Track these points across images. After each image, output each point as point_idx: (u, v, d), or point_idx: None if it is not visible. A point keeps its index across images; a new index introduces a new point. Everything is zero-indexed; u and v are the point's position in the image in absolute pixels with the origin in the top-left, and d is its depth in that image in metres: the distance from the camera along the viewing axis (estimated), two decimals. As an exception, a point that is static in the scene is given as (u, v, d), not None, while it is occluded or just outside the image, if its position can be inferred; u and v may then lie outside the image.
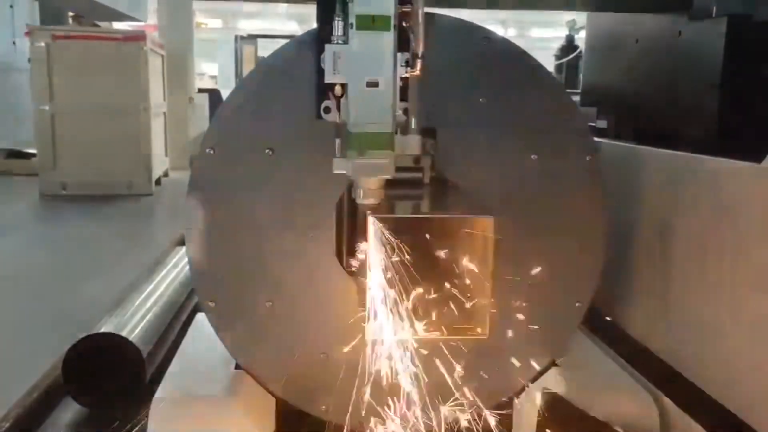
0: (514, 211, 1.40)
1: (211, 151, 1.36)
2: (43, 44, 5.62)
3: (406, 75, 1.09)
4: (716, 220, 1.53)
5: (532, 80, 1.41)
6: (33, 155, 6.28)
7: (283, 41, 1.46)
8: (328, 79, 1.08)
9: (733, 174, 1.49)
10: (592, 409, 1.40)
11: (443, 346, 1.40)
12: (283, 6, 19.85)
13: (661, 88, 1.91)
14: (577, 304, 1.50)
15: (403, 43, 1.07)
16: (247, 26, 19.31)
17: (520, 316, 1.45)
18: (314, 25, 1.38)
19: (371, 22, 1.03)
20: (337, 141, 1.13)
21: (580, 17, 5.39)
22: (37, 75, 5.67)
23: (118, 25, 8.59)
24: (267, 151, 1.36)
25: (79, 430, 1.73)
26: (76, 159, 5.66)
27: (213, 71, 17.94)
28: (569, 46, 5.76)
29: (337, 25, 1.07)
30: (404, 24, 1.08)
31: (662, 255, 1.72)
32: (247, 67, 10.19)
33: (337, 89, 1.10)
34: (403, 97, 1.10)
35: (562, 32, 6.33)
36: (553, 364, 1.51)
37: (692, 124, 1.74)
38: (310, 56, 1.35)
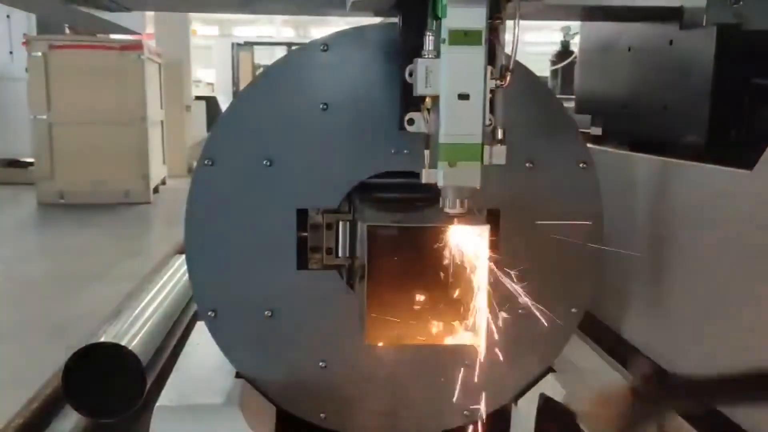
0: (509, 218, 1.42)
1: (210, 162, 1.38)
2: (40, 54, 5.64)
3: (494, 87, 1.11)
4: (709, 225, 1.55)
5: (523, 87, 1.43)
6: (31, 164, 6.28)
7: (280, 48, 1.48)
8: (420, 92, 1.10)
9: (725, 180, 1.51)
10: (587, 414, 1.41)
11: (440, 353, 1.41)
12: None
13: (653, 95, 1.94)
14: (573, 310, 1.51)
15: (491, 56, 1.10)
16: (243, 33, 19.35)
17: (517, 322, 1.46)
18: (310, 30, 1.41)
19: (463, 37, 1.05)
20: (426, 152, 1.15)
21: (574, 23, 5.42)
22: (34, 84, 5.69)
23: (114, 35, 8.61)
24: (266, 161, 1.38)
25: (80, 439, 1.74)
26: (73, 168, 5.68)
27: (210, 78, 17.96)
28: (565, 51, 5.80)
29: (428, 40, 1.10)
30: (492, 37, 1.10)
31: (657, 260, 1.74)
32: (244, 74, 10.21)
33: (428, 102, 1.12)
34: (491, 109, 1.12)
35: (556, 37, 6.36)
36: (550, 369, 1.52)
37: (684, 131, 1.76)
38: (310, 66, 1.37)
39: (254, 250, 1.40)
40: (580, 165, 1.46)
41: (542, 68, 5.63)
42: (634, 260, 1.89)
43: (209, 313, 1.42)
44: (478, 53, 1.06)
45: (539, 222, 1.43)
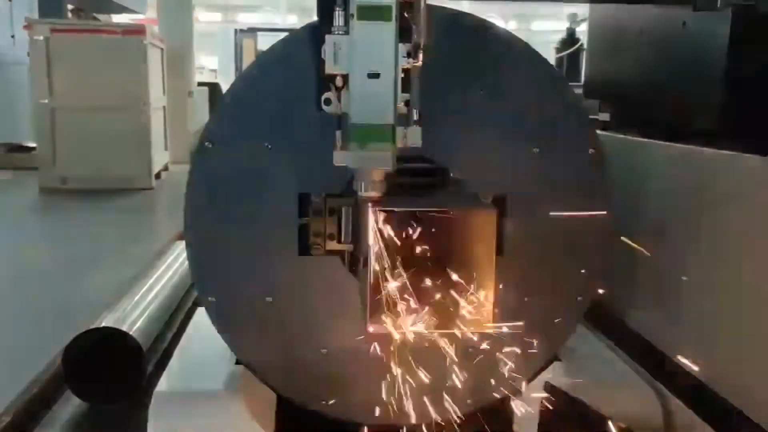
0: (516, 204, 1.39)
1: (210, 145, 1.35)
2: (42, 38, 5.60)
3: (408, 66, 1.07)
4: (721, 212, 1.52)
5: (534, 72, 1.40)
6: (33, 149, 6.27)
7: (283, 34, 1.44)
8: (329, 70, 1.06)
9: (739, 166, 1.48)
10: (594, 404, 1.40)
11: (444, 340, 1.39)
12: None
13: (664, 80, 1.90)
14: (578, 298, 1.49)
15: (404, 33, 1.06)
16: (247, 20, 19.24)
17: (522, 311, 1.44)
18: (314, 17, 1.37)
19: (373, 12, 1.01)
20: (338, 133, 1.11)
21: (581, 10, 5.36)
22: (36, 69, 5.65)
23: (117, 19, 8.57)
24: (266, 144, 1.35)
25: (80, 424, 1.73)
26: (75, 153, 5.65)
27: (213, 65, 17.89)
28: (570, 39, 5.74)
29: (338, 15, 1.06)
30: (405, 14, 1.06)
31: (666, 248, 1.71)
32: (247, 61, 10.16)
33: (338, 80, 1.08)
34: (405, 89, 1.08)
35: (563, 25, 6.30)
36: (556, 358, 1.50)
37: (696, 116, 1.72)
38: (308, 49, 1.34)
39: (255, 234, 1.38)
40: (589, 151, 1.43)
41: (548, 57, 5.57)
42: (642, 248, 1.86)
43: (209, 298, 1.40)
44: (389, 30, 1.02)
45: (546, 208, 1.41)
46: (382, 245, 1.13)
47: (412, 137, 1.09)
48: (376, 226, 1.13)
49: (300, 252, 1.37)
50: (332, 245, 1.38)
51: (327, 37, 1.05)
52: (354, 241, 1.38)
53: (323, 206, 1.37)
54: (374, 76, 1.03)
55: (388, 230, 1.14)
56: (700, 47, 1.70)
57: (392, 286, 1.15)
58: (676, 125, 1.83)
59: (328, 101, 1.12)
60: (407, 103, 1.09)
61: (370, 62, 1.03)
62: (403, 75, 1.07)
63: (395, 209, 1.16)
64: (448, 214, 1.15)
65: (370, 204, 1.13)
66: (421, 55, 1.07)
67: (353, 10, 1.02)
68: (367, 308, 1.16)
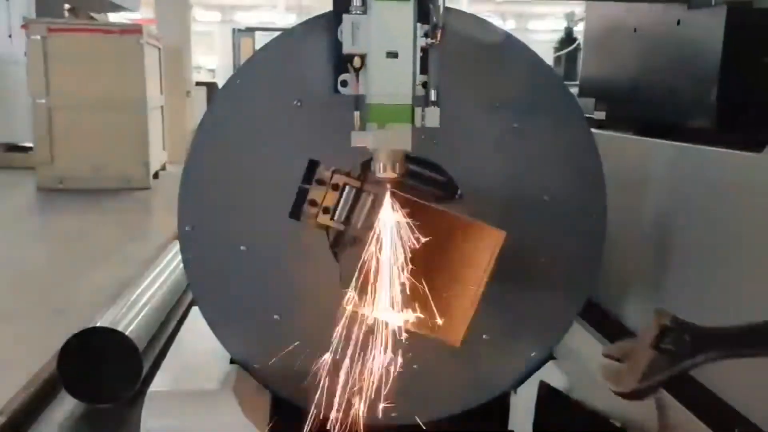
0: (509, 201, 1.39)
1: (202, 145, 1.35)
2: (39, 37, 5.59)
3: (426, 46, 1.06)
4: (716, 211, 1.52)
5: (527, 69, 1.39)
6: (30, 149, 6.26)
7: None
8: (347, 50, 1.06)
9: (734, 164, 1.48)
10: (589, 403, 1.40)
11: (437, 340, 1.39)
12: (281, -1, 19.78)
13: (660, 78, 1.90)
14: (574, 297, 1.49)
15: (422, 14, 1.05)
16: (245, 19, 19.23)
17: (517, 308, 1.43)
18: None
19: None
20: (356, 114, 1.10)
21: (579, 9, 5.36)
22: (33, 68, 5.64)
23: (114, 18, 8.56)
24: (262, 141, 1.35)
25: (75, 424, 1.73)
26: (73, 153, 5.64)
27: (211, 65, 17.89)
28: (568, 38, 5.74)
29: None
30: None
31: (662, 246, 1.71)
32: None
33: (356, 61, 1.08)
34: (423, 70, 1.07)
35: (560, 24, 6.30)
36: (551, 357, 1.50)
37: (691, 114, 1.72)
38: (306, 45, 1.33)
39: (249, 233, 1.37)
40: (584, 149, 1.43)
41: (546, 56, 5.57)
42: (638, 246, 1.86)
43: (203, 297, 1.39)
44: (407, 9, 1.01)
45: (540, 206, 1.40)
46: (389, 227, 1.12)
47: (430, 118, 1.08)
48: (384, 208, 1.11)
49: (291, 214, 1.33)
50: (324, 219, 1.34)
51: (345, 16, 1.05)
52: (345, 222, 1.37)
53: (329, 178, 1.34)
54: (393, 55, 1.02)
55: (396, 215, 1.13)
56: (694, 45, 1.70)
57: (381, 270, 1.14)
58: (672, 123, 1.84)
59: (344, 83, 1.12)
60: (424, 85, 1.08)
61: (389, 41, 1.02)
62: (421, 55, 1.06)
63: (412, 199, 1.15)
64: (457, 221, 1.15)
65: (388, 185, 1.12)
66: (439, 35, 1.06)
67: None
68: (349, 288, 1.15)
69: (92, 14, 7.15)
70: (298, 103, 1.34)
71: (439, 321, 1.18)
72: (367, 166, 1.33)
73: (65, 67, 5.61)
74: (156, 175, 6.15)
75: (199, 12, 18.82)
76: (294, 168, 1.32)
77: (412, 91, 1.04)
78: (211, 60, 17.71)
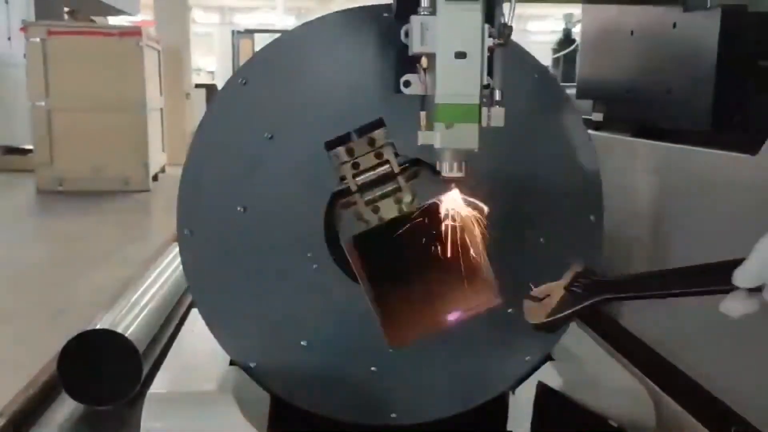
0: (506, 201, 1.39)
1: (202, 147, 1.36)
2: (38, 40, 5.60)
3: (493, 46, 1.07)
4: (712, 212, 1.53)
5: (522, 71, 1.40)
6: (30, 151, 6.27)
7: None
8: (415, 50, 1.06)
9: (729, 166, 1.48)
10: (587, 403, 1.40)
11: (436, 340, 1.40)
12: (281, 0, 19.79)
13: (656, 80, 1.90)
14: (571, 298, 1.49)
15: (489, 15, 1.06)
16: (244, 21, 19.25)
17: (515, 309, 1.44)
18: (312, 18, 1.38)
19: None
20: (422, 114, 1.11)
21: (577, 11, 5.37)
22: (32, 71, 5.65)
23: (113, 21, 8.57)
24: (262, 142, 1.36)
25: (75, 425, 1.73)
26: (72, 155, 5.66)
27: (211, 67, 17.90)
28: (566, 39, 5.75)
29: None
30: None
31: (657, 247, 1.72)
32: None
33: (424, 61, 1.08)
34: (489, 70, 1.08)
35: (559, 26, 6.31)
36: (549, 358, 1.51)
37: (687, 116, 1.73)
38: (305, 47, 1.34)
39: (248, 234, 1.38)
40: (581, 151, 1.43)
41: (545, 57, 5.58)
42: (635, 247, 1.87)
43: (203, 299, 1.40)
44: (476, 10, 1.02)
45: (536, 208, 1.41)
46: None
47: (496, 117, 1.08)
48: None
49: (327, 144, 1.33)
50: (346, 170, 1.31)
51: (413, 18, 1.05)
52: (359, 190, 1.37)
53: (380, 145, 1.33)
54: (461, 55, 1.03)
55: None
56: (690, 47, 1.71)
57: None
58: (668, 124, 1.85)
59: (407, 83, 1.13)
60: (488, 85, 1.09)
61: (458, 42, 1.03)
62: (488, 55, 1.07)
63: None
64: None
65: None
66: (507, 35, 1.07)
67: None
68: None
69: (92, 18, 7.16)
70: (299, 105, 1.35)
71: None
72: (406, 167, 1.35)
73: (64, 69, 5.62)
74: (155, 177, 6.16)
75: (198, 14, 18.83)
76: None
77: (480, 91, 1.05)
78: (211, 62, 17.72)
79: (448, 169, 1.09)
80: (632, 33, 2.05)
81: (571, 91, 2.40)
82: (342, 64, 1.35)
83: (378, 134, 1.32)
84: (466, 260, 1.18)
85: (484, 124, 1.07)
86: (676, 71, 1.80)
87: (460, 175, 1.09)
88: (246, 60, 1.42)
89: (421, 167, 1.35)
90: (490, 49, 1.07)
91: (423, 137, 1.09)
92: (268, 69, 1.35)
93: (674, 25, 1.79)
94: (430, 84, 1.08)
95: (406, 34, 1.09)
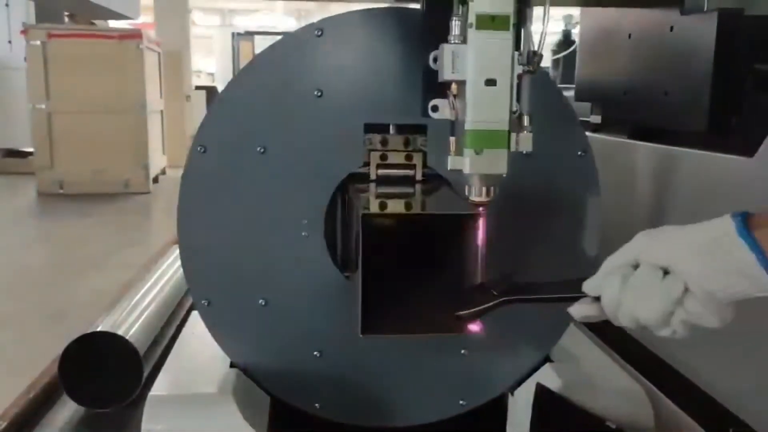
0: (506, 207, 1.40)
1: (203, 149, 1.36)
2: (38, 43, 5.62)
3: (521, 73, 1.09)
4: (710, 214, 1.53)
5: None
6: (30, 154, 6.28)
7: (280, 38, 1.45)
8: (446, 77, 1.08)
9: (726, 167, 1.49)
10: (585, 404, 1.41)
11: (436, 341, 1.41)
12: (281, 3, 19.82)
13: (654, 82, 1.91)
14: (570, 299, 1.49)
15: (518, 42, 1.08)
16: (244, 23, 19.26)
17: (514, 311, 1.44)
18: (312, 20, 1.38)
19: (491, 22, 1.03)
20: (451, 139, 1.12)
21: (576, 12, 5.39)
22: (33, 73, 5.67)
23: (114, 24, 8.58)
24: (260, 148, 1.36)
25: (76, 428, 1.74)
26: (73, 157, 5.67)
27: (210, 68, 17.91)
28: (566, 41, 5.77)
29: (455, 25, 1.07)
30: (520, 22, 1.08)
31: (656, 250, 1.72)
32: (244, 64, 10.19)
33: (454, 87, 1.10)
34: (518, 96, 1.09)
35: (558, 27, 6.33)
36: (547, 359, 1.52)
37: (684, 118, 1.74)
38: (305, 52, 1.35)
39: (248, 238, 1.39)
40: (579, 153, 1.44)
41: (544, 58, 5.58)
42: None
43: (203, 302, 1.41)
44: (506, 38, 1.04)
45: (536, 211, 1.42)
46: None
47: (524, 143, 1.10)
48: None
49: (366, 126, 1.35)
50: (375, 157, 1.36)
51: (444, 46, 1.07)
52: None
53: (409, 147, 1.37)
54: (491, 83, 1.05)
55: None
56: (687, 50, 1.72)
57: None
58: (666, 127, 1.85)
59: (435, 108, 1.15)
60: (517, 110, 1.10)
61: (488, 70, 1.05)
62: (517, 81, 1.08)
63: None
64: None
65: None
66: (536, 62, 1.09)
67: (471, 20, 1.04)
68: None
69: (93, 21, 7.18)
70: (299, 107, 1.36)
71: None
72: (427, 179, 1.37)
73: (65, 72, 5.63)
74: (156, 180, 6.18)
75: (198, 16, 18.86)
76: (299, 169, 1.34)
77: (509, 117, 1.07)
78: (211, 64, 17.73)
79: (476, 193, 1.11)
80: (630, 36, 2.06)
81: (570, 93, 2.42)
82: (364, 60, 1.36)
83: (415, 138, 1.34)
84: (460, 279, 1.19)
85: (512, 149, 1.09)
86: (674, 74, 1.81)
87: (488, 199, 1.11)
88: (246, 62, 1.43)
89: (442, 184, 1.37)
90: (519, 77, 1.08)
91: (453, 162, 1.11)
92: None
93: (671, 28, 1.80)
94: (460, 110, 1.09)
95: (435, 60, 1.10)
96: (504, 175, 1.10)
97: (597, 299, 0.96)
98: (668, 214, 1.71)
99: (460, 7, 1.07)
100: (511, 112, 1.07)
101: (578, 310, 1.00)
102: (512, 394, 1.51)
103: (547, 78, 1.50)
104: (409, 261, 1.21)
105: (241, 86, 1.36)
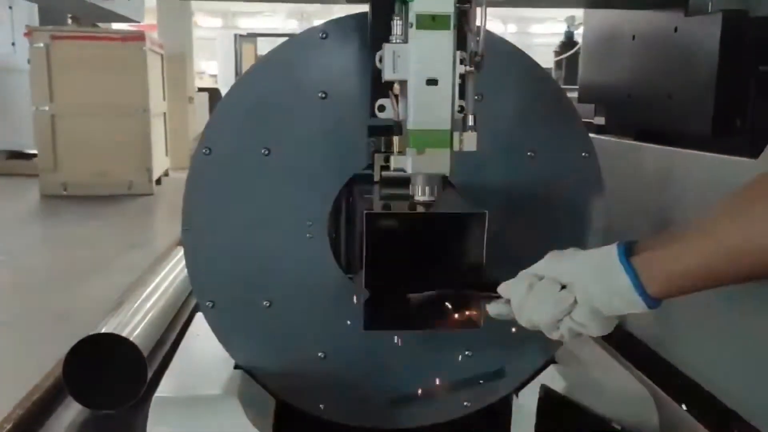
0: (510, 208, 1.40)
1: (208, 150, 1.37)
2: (42, 45, 5.63)
3: (463, 72, 1.09)
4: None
5: (527, 77, 1.41)
6: (34, 156, 6.30)
7: (283, 39, 1.46)
8: (388, 77, 1.08)
9: (730, 169, 1.49)
10: (590, 406, 1.41)
11: (439, 343, 1.41)
12: (283, 4, 19.86)
13: (658, 84, 1.91)
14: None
15: (461, 41, 1.08)
16: (246, 25, 19.30)
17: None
18: (314, 23, 1.38)
19: (431, 21, 1.04)
20: (396, 138, 1.13)
21: (579, 13, 5.39)
22: (36, 75, 5.68)
23: (117, 26, 8.60)
24: (264, 150, 1.37)
25: (81, 429, 1.74)
26: (76, 159, 5.68)
27: (213, 70, 17.94)
28: (569, 42, 5.76)
29: (396, 25, 1.07)
30: (462, 22, 1.08)
31: (660, 251, 1.72)
32: (247, 66, 10.21)
33: (396, 87, 1.10)
34: (460, 95, 1.10)
35: (561, 28, 6.32)
36: (552, 361, 1.51)
37: (689, 120, 1.74)
38: (308, 54, 1.35)
39: (252, 239, 1.39)
40: (583, 155, 1.44)
41: (547, 60, 5.59)
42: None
43: (207, 303, 1.41)
44: (447, 38, 1.04)
45: (540, 212, 1.42)
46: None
47: (468, 142, 1.10)
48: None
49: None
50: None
51: (386, 45, 1.07)
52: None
53: None
54: (432, 82, 1.05)
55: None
56: (691, 52, 1.72)
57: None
58: (670, 128, 1.85)
59: (382, 108, 1.16)
60: (461, 110, 1.11)
61: (429, 69, 1.05)
62: (459, 81, 1.09)
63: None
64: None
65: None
66: (478, 62, 1.09)
67: (412, 19, 1.04)
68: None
69: (97, 24, 7.20)
70: (304, 109, 1.36)
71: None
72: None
73: (68, 74, 5.65)
74: (159, 181, 6.19)
75: (200, 18, 18.89)
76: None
77: (451, 117, 1.07)
78: (214, 65, 17.76)
79: (420, 193, 1.12)
80: (634, 37, 2.06)
81: (574, 95, 2.42)
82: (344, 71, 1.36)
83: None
84: (463, 277, 1.19)
85: (456, 148, 1.09)
86: (678, 75, 1.81)
87: (431, 199, 1.12)
88: (249, 64, 1.43)
89: (445, 185, 1.36)
90: (462, 76, 1.08)
91: (396, 161, 1.12)
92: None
93: (675, 30, 1.80)
94: (402, 110, 1.10)
95: (380, 60, 1.10)
96: (447, 175, 1.10)
97: (509, 301, 1.11)
98: (672, 216, 1.71)
99: (402, 6, 1.07)
100: (455, 112, 1.07)
101: (494, 308, 1.14)
102: (517, 395, 1.51)
103: (550, 79, 1.50)
104: (411, 259, 1.22)
105: (245, 88, 1.37)
